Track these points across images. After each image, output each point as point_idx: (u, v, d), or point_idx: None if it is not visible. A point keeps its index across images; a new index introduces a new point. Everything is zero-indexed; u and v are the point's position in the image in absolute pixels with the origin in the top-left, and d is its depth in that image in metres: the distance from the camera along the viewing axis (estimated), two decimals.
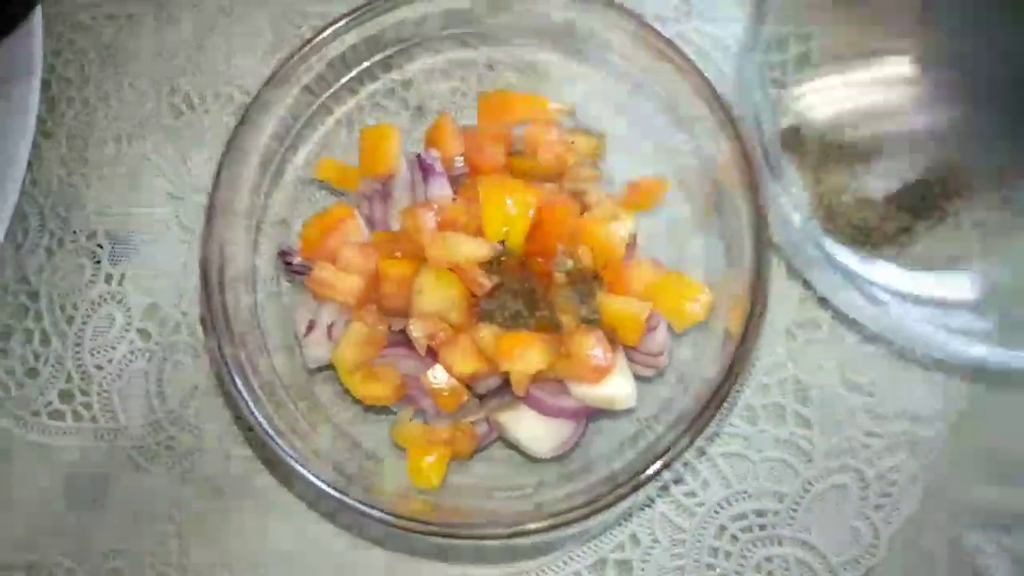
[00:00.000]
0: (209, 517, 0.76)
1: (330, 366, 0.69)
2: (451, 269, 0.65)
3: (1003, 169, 0.77)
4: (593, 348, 0.62)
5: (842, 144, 0.78)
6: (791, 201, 0.67)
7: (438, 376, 0.64)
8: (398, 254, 0.66)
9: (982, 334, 0.67)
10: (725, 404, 0.58)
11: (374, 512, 0.58)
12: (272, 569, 0.75)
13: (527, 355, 0.63)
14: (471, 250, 0.64)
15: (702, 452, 0.74)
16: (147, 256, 0.82)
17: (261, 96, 0.65)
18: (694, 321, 0.66)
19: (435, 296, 0.64)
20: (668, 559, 0.73)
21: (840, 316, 0.76)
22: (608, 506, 0.56)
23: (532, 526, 0.56)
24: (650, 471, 0.56)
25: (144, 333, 0.80)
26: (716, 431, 0.75)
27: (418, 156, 0.69)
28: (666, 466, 0.57)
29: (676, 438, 0.56)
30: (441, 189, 0.68)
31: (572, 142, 0.71)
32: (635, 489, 0.56)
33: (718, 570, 0.73)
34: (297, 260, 0.69)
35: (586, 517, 0.57)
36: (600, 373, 0.63)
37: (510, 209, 0.65)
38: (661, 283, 0.66)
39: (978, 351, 0.61)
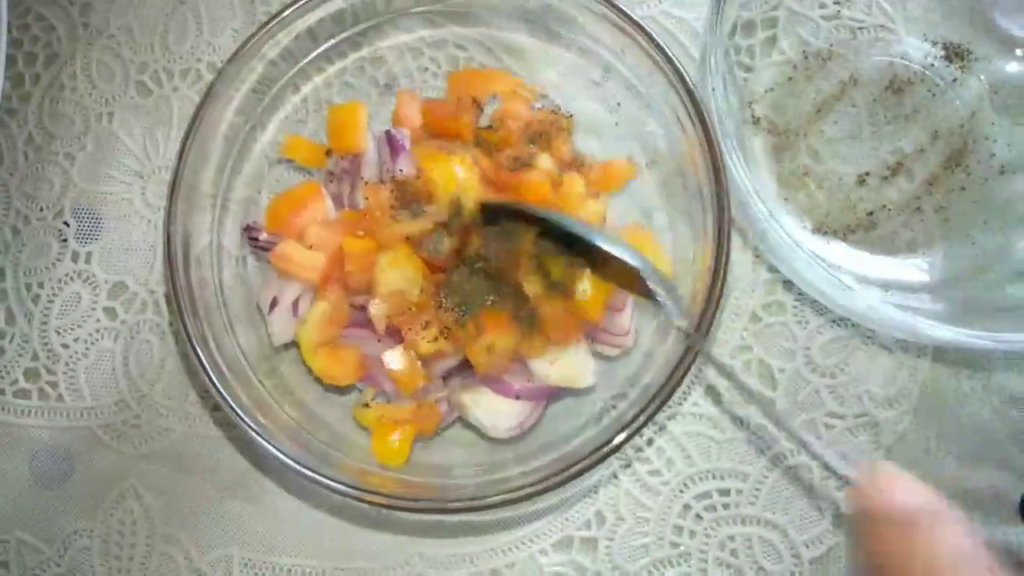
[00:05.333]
0: (176, 496, 0.76)
1: (296, 345, 0.69)
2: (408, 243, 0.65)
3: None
4: (563, 308, 0.63)
5: (808, 131, 0.79)
6: (756, 184, 0.67)
7: (394, 360, 0.64)
8: (361, 232, 0.66)
9: (943, 315, 0.68)
10: (685, 380, 0.58)
11: (335, 484, 0.58)
12: (239, 547, 0.75)
13: (492, 338, 0.63)
14: (417, 223, 0.64)
15: (666, 431, 0.75)
16: (114, 235, 0.81)
17: (226, 70, 0.65)
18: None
19: (395, 273, 0.64)
20: (633, 537, 0.74)
21: (805, 299, 0.77)
22: (565, 481, 0.57)
23: (492, 499, 0.57)
24: (608, 448, 0.57)
25: (111, 312, 0.79)
26: (680, 411, 0.76)
27: (387, 132, 0.69)
28: (622, 444, 0.57)
29: (634, 416, 0.57)
30: (409, 167, 0.68)
31: (541, 120, 0.72)
32: (595, 464, 0.56)
33: (682, 548, 0.74)
34: (263, 236, 0.69)
35: (544, 492, 0.57)
36: (569, 333, 0.63)
37: (457, 172, 0.65)
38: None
39: (940, 332, 0.62)
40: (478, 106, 0.70)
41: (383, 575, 0.74)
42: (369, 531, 0.75)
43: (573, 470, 0.57)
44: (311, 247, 0.66)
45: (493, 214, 0.66)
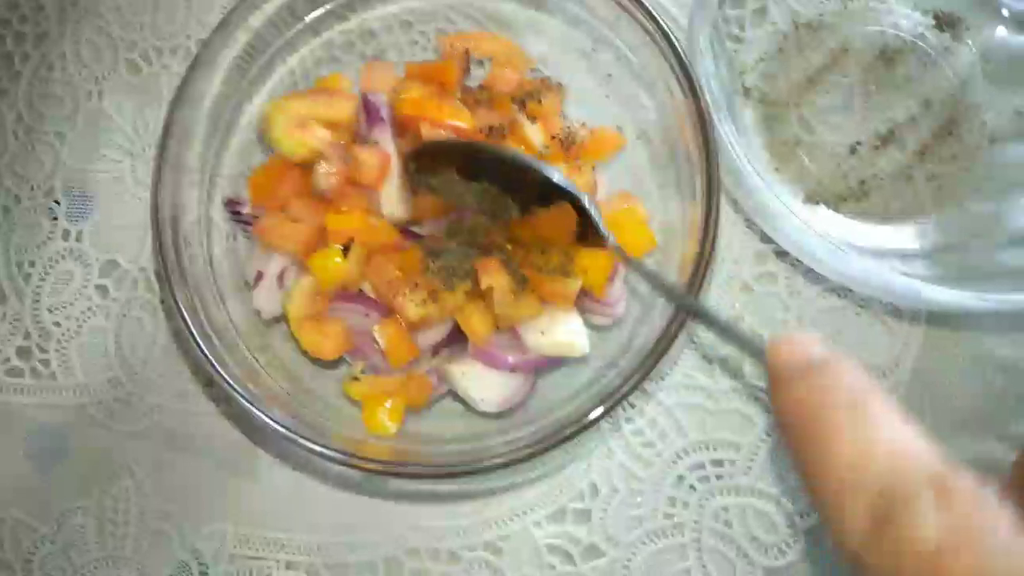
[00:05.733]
0: (170, 473, 0.76)
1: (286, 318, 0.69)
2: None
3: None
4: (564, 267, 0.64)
5: (799, 101, 0.79)
6: (748, 154, 0.67)
7: (384, 336, 0.64)
8: (345, 208, 0.65)
9: (936, 282, 0.67)
10: (675, 345, 0.58)
11: (327, 452, 0.58)
12: (233, 522, 0.75)
13: (483, 303, 0.63)
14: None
15: (659, 402, 0.75)
16: (105, 212, 0.81)
17: (212, 41, 0.65)
18: (648, 246, 0.68)
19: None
20: (627, 508, 0.74)
21: (797, 270, 0.77)
22: (553, 447, 0.57)
23: (482, 465, 0.57)
24: (597, 413, 0.57)
25: (102, 289, 0.79)
26: (673, 382, 0.76)
27: (363, 97, 0.68)
28: (610, 409, 0.57)
29: (622, 381, 0.57)
30: (383, 137, 0.67)
31: (531, 83, 0.71)
32: (584, 428, 0.56)
33: (676, 518, 0.74)
34: (246, 210, 0.68)
35: (532, 457, 0.57)
36: (568, 297, 0.63)
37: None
38: (616, 216, 0.67)
39: (936, 294, 0.62)
40: (467, 58, 0.70)
41: (377, 548, 0.74)
42: (363, 505, 0.74)
43: (562, 435, 0.56)
44: (295, 220, 0.65)
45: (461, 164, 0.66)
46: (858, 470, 0.38)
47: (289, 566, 0.74)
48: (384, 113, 0.66)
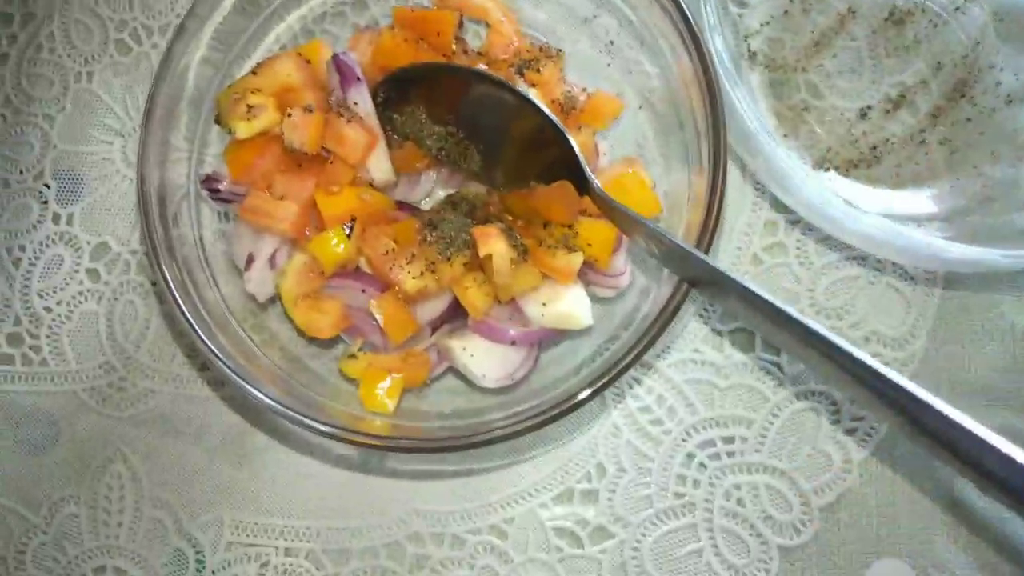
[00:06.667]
0: (164, 459, 0.74)
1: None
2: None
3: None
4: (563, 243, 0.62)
5: (806, 66, 0.76)
6: (757, 120, 0.65)
7: (382, 314, 0.62)
8: (335, 187, 0.63)
9: (952, 238, 0.65)
10: (678, 317, 0.56)
11: (322, 427, 0.56)
12: (230, 509, 0.72)
13: (482, 274, 0.61)
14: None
15: (667, 379, 0.73)
16: (96, 195, 0.79)
17: (196, 11, 0.63)
18: (653, 211, 0.65)
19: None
20: (635, 488, 0.72)
21: (807, 238, 0.74)
22: (557, 417, 0.55)
23: (480, 438, 0.55)
24: (595, 386, 0.55)
25: (93, 273, 0.77)
26: (682, 358, 0.73)
27: (334, 57, 0.65)
28: (612, 381, 0.55)
29: (626, 351, 0.54)
30: (361, 98, 0.64)
31: (530, 50, 0.69)
32: (586, 400, 0.54)
33: (686, 497, 0.71)
34: (224, 186, 0.66)
35: (532, 430, 0.55)
36: (571, 272, 0.61)
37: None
38: (620, 180, 0.65)
39: (957, 251, 0.60)
40: (460, 16, 0.68)
41: (377, 533, 0.72)
42: (364, 490, 0.72)
43: (564, 407, 0.54)
44: (282, 198, 0.63)
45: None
46: None
47: (288, 552, 0.72)
48: (359, 72, 0.64)
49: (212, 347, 0.57)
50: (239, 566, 0.72)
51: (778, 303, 0.48)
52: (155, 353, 0.75)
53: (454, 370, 0.68)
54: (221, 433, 0.74)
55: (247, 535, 0.72)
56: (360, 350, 0.66)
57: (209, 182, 0.66)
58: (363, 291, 0.64)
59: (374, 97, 0.66)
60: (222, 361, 0.57)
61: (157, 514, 0.73)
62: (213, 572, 0.72)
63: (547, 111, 0.62)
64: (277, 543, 0.72)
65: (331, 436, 0.56)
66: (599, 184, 0.61)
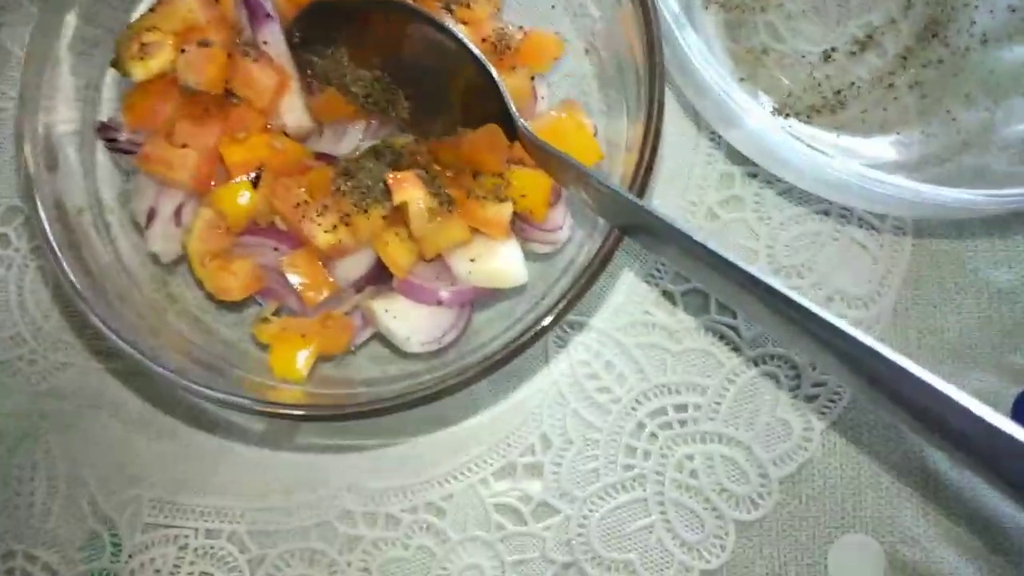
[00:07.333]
0: (79, 434, 0.69)
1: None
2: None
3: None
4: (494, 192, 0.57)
5: (765, 5, 0.71)
6: (710, 64, 0.59)
7: (295, 274, 0.57)
8: (242, 134, 0.58)
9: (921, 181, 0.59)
10: (623, 275, 0.51)
11: (227, 398, 0.51)
12: (149, 487, 0.68)
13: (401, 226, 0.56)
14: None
15: (616, 342, 0.68)
16: (7, 155, 0.73)
17: None
18: (593, 157, 0.60)
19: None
20: (582, 461, 0.67)
21: (766, 191, 0.69)
22: (482, 376, 0.50)
23: (400, 400, 0.50)
24: (530, 334, 0.50)
25: (3, 238, 0.72)
26: (632, 320, 0.68)
27: None
28: (542, 334, 0.50)
29: (557, 299, 0.49)
30: (272, 36, 0.59)
31: None
32: (511, 356, 0.49)
33: (636, 470, 0.67)
34: (124, 136, 0.60)
35: (456, 390, 0.50)
36: (500, 224, 0.56)
37: None
38: (557, 125, 0.59)
39: (929, 193, 0.55)
40: None
41: (307, 513, 0.67)
42: (293, 467, 0.68)
43: (490, 362, 0.49)
44: (184, 146, 0.57)
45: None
46: None
47: (209, 534, 0.67)
48: (269, 8, 0.58)
49: (97, 312, 0.52)
50: (157, 548, 0.67)
51: (719, 250, 0.43)
52: (67, 325, 0.70)
53: (381, 336, 0.63)
54: (139, 408, 0.69)
55: (166, 516, 0.67)
56: (276, 314, 0.60)
57: (105, 130, 0.60)
58: (275, 249, 0.59)
59: (289, 37, 0.60)
60: (107, 325, 0.52)
61: (72, 492, 0.68)
62: (130, 555, 0.67)
63: (470, 44, 0.56)
64: (197, 524, 0.67)
65: (232, 406, 0.52)
66: (526, 124, 0.55)
